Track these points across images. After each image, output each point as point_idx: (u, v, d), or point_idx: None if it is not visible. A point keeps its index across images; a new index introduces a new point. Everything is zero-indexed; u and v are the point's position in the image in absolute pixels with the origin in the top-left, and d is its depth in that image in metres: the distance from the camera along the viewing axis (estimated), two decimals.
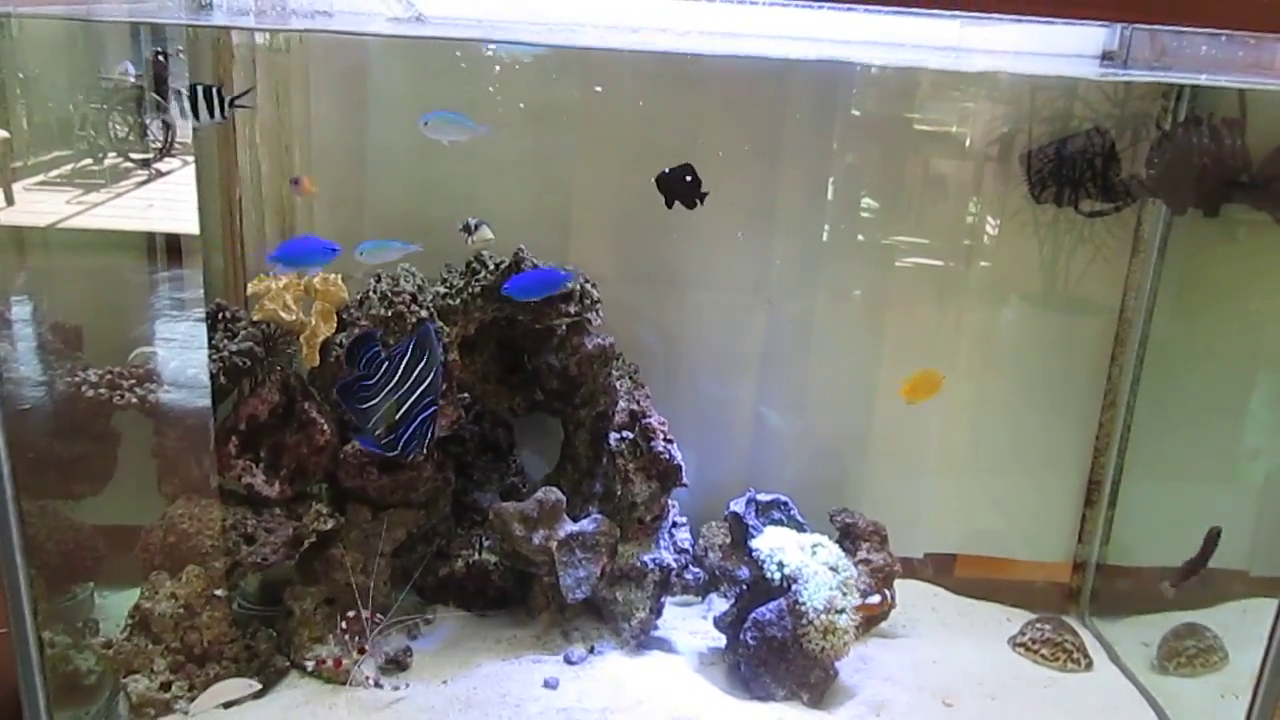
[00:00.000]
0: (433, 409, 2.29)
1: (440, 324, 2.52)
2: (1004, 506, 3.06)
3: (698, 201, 2.39)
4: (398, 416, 2.29)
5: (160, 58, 2.56)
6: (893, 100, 2.88)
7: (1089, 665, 2.78)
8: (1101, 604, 3.03)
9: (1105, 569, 3.01)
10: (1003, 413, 3.00)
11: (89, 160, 2.62)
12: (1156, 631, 2.84)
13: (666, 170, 2.39)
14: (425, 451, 2.35)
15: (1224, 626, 2.81)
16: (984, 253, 2.92)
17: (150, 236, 2.64)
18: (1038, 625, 2.83)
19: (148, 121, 2.64)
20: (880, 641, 2.80)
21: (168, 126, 2.65)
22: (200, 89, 2.25)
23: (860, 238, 2.94)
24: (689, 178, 2.38)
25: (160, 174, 2.69)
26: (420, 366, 2.29)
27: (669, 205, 2.40)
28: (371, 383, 2.33)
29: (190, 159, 2.63)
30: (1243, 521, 2.89)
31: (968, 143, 2.86)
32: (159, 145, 2.68)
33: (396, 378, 2.31)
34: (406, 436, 2.28)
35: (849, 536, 2.79)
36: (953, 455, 3.03)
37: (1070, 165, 2.71)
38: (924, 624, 2.92)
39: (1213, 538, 2.64)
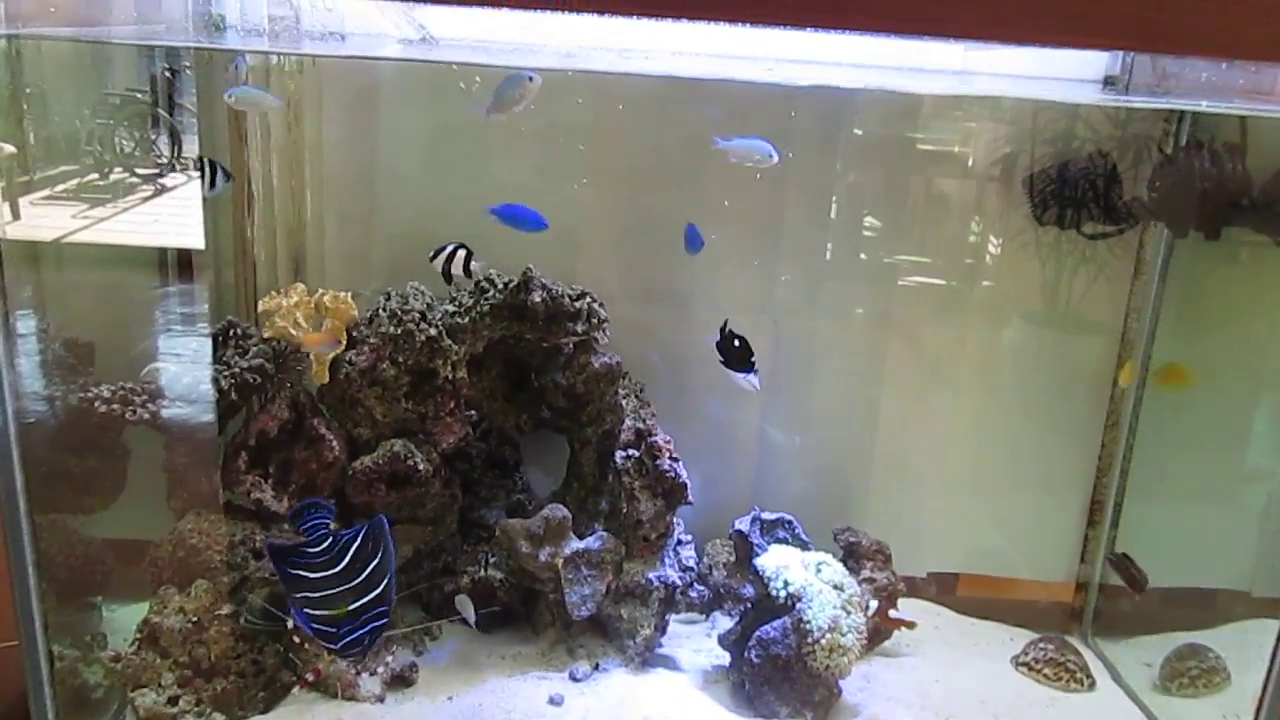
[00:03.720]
0: (384, 620, 2.18)
1: (447, 346, 2.53)
2: (1007, 526, 3.07)
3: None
4: (350, 608, 2.17)
5: (169, 74, 2.60)
6: (896, 122, 2.90)
7: (1092, 685, 2.78)
8: (1104, 624, 3.03)
9: (1108, 589, 3.02)
10: (1006, 432, 3.01)
11: (95, 175, 2.64)
12: (1159, 652, 2.85)
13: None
14: (364, 656, 2.25)
15: (1226, 647, 2.81)
16: (987, 273, 2.94)
17: (160, 252, 2.66)
18: (1041, 645, 2.84)
19: (154, 137, 2.67)
20: (883, 660, 2.81)
21: (174, 141, 2.68)
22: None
23: (864, 258, 2.96)
24: (737, 343, 2.56)
25: (166, 189, 2.71)
26: (375, 564, 2.22)
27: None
28: (313, 552, 2.25)
29: (196, 174, 2.63)
30: (1245, 542, 2.91)
31: (971, 164, 2.88)
32: (165, 160, 2.71)
33: (345, 564, 2.22)
34: (352, 638, 2.15)
35: (853, 555, 2.80)
36: (956, 475, 3.04)
37: (1072, 187, 2.74)
38: (927, 643, 2.92)
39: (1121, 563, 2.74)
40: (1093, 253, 2.85)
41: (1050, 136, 2.81)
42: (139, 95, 2.65)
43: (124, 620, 2.51)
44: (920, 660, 2.84)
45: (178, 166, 2.68)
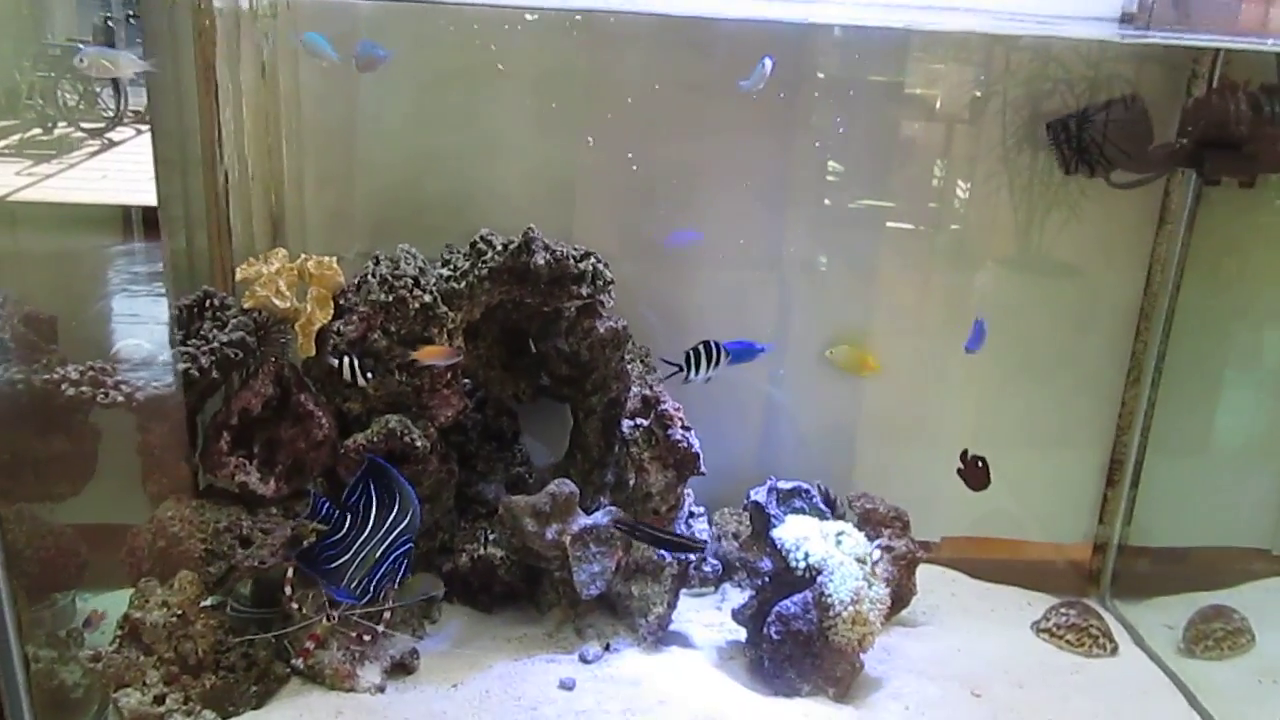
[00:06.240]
0: (408, 546, 2.21)
1: (443, 314, 2.36)
2: (1024, 487, 2.96)
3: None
4: (378, 556, 2.21)
5: (110, 24, 2.40)
6: (906, 69, 2.75)
7: (1114, 650, 2.71)
8: (1123, 586, 2.95)
9: (1127, 550, 2.94)
10: (1024, 390, 2.90)
11: (38, 130, 2.49)
12: (1180, 613, 2.78)
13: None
14: (397, 585, 2.26)
15: (1247, 607, 2.75)
16: (1005, 225, 2.80)
17: (123, 212, 2.48)
18: (1062, 610, 2.75)
19: (98, 90, 2.51)
20: (903, 630, 2.71)
21: (120, 94, 2.51)
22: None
23: (876, 210, 2.82)
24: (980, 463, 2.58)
25: (113, 143, 2.55)
26: (395, 510, 2.23)
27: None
28: (338, 539, 2.23)
29: (144, 128, 2.46)
30: (1267, 498, 2.84)
31: (987, 112, 2.73)
32: (111, 114, 2.53)
33: (371, 522, 2.24)
34: (379, 577, 2.19)
35: (869, 523, 2.68)
36: (972, 435, 2.92)
37: (1098, 133, 2.59)
38: (945, 610, 2.84)
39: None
40: (1115, 202, 2.71)
41: (1069, 80, 2.66)
42: (81, 46, 2.45)
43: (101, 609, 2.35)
44: (939, 629, 2.75)
45: (125, 120, 2.53)
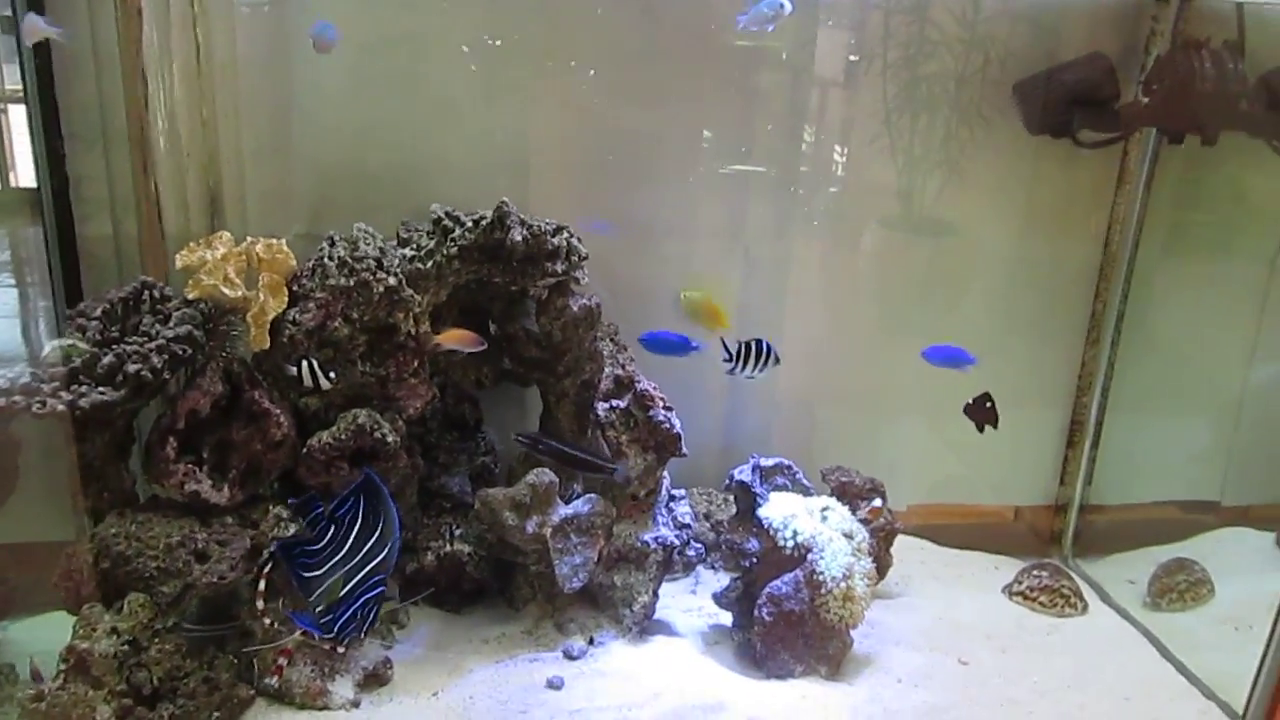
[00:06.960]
0: (381, 590, 2.03)
1: (408, 297, 2.17)
2: (985, 452, 2.94)
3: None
4: (342, 593, 2.02)
5: None
6: (873, 33, 2.66)
7: (1085, 609, 2.73)
8: (1083, 544, 2.99)
9: (1086, 508, 2.97)
10: (984, 354, 2.87)
11: None
12: (1139, 568, 2.82)
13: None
14: (363, 637, 2.08)
15: (1201, 557, 2.80)
16: (958, 190, 2.75)
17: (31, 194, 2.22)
18: (1034, 573, 2.76)
19: None
20: (880, 603, 2.65)
21: None
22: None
23: (833, 180, 2.75)
24: (989, 404, 2.50)
25: None
26: (374, 538, 2.07)
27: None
28: (317, 549, 2.08)
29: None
30: (1217, 452, 2.90)
31: (949, 72, 2.66)
32: None
33: (348, 547, 2.08)
34: (344, 619, 1.99)
35: (845, 495, 2.62)
36: (933, 402, 2.89)
37: (1068, 94, 2.56)
38: (917, 580, 2.82)
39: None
40: (1077, 162, 2.70)
41: (1033, 39, 2.63)
42: None
43: (25, 638, 2.17)
44: (916, 599, 2.72)
45: None
